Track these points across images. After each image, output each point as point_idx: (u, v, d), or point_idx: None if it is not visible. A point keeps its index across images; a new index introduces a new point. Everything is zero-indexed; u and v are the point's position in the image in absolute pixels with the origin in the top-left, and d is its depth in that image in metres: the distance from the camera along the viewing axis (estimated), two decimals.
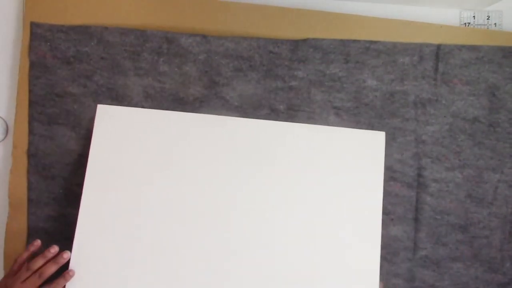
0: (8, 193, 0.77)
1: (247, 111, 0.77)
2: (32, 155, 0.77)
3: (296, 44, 0.77)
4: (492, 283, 0.76)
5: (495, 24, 0.81)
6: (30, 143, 0.77)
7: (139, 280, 0.72)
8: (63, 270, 0.70)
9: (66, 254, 0.70)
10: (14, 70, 0.79)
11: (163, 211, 0.74)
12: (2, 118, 0.80)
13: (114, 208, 0.74)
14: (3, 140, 0.80)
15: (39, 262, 0.67)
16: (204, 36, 0.77)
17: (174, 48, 0.77)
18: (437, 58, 0.77)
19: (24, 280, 0.66)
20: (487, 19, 0.81)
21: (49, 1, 0.78)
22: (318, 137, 0.75)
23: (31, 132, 0.77)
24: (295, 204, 0.74)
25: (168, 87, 0.77)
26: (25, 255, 0.69)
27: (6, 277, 0.68)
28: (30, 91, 0.77)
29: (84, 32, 0.77)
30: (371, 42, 0.77)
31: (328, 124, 0.76)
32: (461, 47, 0.77)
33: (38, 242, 0.70)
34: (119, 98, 0.77)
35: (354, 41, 0.77)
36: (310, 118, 0.76)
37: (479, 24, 0.81)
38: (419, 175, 0.77)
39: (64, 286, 0.70)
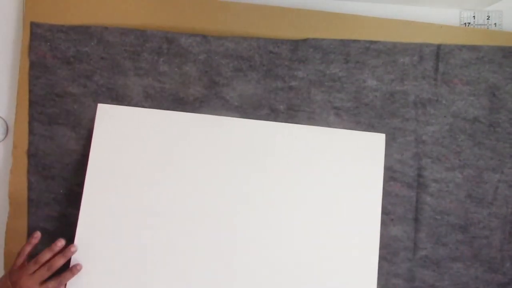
0: (8, 193, 0.77)
1: (247, 111, 0.77)
2: (32, 155, 0.77)
3: (296, 44, 0.77)
4: (492, 283, 0.76)
5: (495, 24, 0.81)
6: (30, 143, 0.77)
7: (139, 280, 0.72)
8: (66, 267, 0.71)
9: (73, 248, 0.71)
10: (14, 70, 0.79)
11: (163, 211, 0.74)
12: (2, 118, 0.80)
13: (115, 207, 0.74)
14: (3, 140, 0.80)
15: (46, 255, 0.68)
16: (204, 36, 0.77)
17: (174, 48, 0.77)
18: (437, 58, 0.77)
19: (33, 273, 0.67)
20: (487, 19, 0.80)
21: (49, 1, 0.78)
22: (318, 138, 0.75)
23: (31, 132, 0.77)
24: (294, 205, 0.74)
25: (168, 87, 0.77)
26: (28, 248, 0.70)
27: (10, 271, 0.68)
28: (30, 91, 0.77)
29: (84, 32, 0.77)
30: (371, 42, 0.77)
31: (328, 124, 0.76)
32: (461, 47, 0.77)
33: (38, 234, 0.71)
34: (119, 98, 0.77)
35: (354, 41, 0.77)
36: (310, 118, 0.76)
37: (479, 24, 0.81)
38: (419, 175, 0.77)
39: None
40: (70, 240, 0.72)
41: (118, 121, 0.76)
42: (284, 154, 0.75)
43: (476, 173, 0.77)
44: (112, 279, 0.72)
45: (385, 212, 0.76)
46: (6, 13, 0.80)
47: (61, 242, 0.70)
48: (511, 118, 0.77)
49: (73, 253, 0.71)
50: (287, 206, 0.74)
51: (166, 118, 0.76)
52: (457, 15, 0.80)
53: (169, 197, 0.74)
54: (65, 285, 0.71)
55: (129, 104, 0.77)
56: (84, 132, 0.77)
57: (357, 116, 0.77)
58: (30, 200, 0.77)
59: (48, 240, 0.71)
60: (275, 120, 0.76)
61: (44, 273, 0.67)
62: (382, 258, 0.75)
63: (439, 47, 0.77)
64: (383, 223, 0.75)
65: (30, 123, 0.77)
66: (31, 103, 0.77)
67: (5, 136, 0.80)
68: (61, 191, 0.77)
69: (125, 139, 0.75)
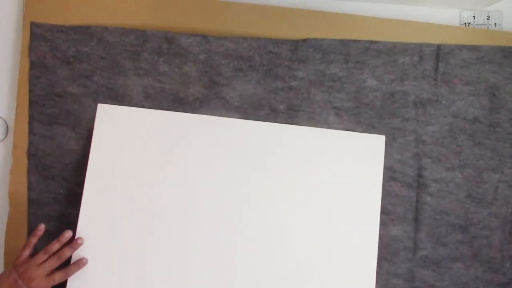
0: (8, 193, 0.77)
1: (247, 111, 0.77)
2: (32, 155, 0.77)
3: (296, 44, 0.77)
4: (492, 283, 0.76)
5: (495, 24, 0.81)
6: (30, 143, 0.77)
7: (139, 280, 0.73)
8: (68, 262, 0.71)
9: (80, 240, 0.72)
10: (14, 70, 0.79)
11: (163, 211, 0.74)
12: (2, 118, 0.80)
13: (115, 207, 0.74)
14: (3, 140, 0.80)
15: (55, 246, 0.70)
16: (204, 36, 0.77)
17: (174, 48, 0.77)
18: (437, 58, 0.77)
19: (42, 263, 0.68)
20: (487, 19, 0.80)
21: (49, 1, 0.78)
22: (318, 139, 0.75)
23: (31, 132, 0.77)
24: (294, 205, 0.74)
25: (168, 87, 0.77)
26: (34, 240, 0.71)
27: (16, 263, 0.68)
28: (30, 91, 0.77)
29: (84, 32, 0.77)
30: (371, 42, 0.77)
31: (328, 124, 0.76)
32: (461, 47, 0.77)
33: (42, 226, 0.72)
34: (119, 98, 0.77)
35: (354, 41, 0.77)
36: (310, 118, 0.76)
37: (479, 24, 0.81)
38: (419, 175, 0.77)
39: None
40: (70, 240, 0.72)
41: (118, 121, 0.76)
42: (284, 155, 0.75)
43: (476, 173, 0.77)
44: (112, 279, 0.72)
45: (385, 212, 0.76)
46: (6, 13, 0.80)
47: (68, 234, 0.71)
48: (511, 118, 0.77)
49: (80, 245, 0.72)
50: (287, 207, 0.74)
51: (166, 118, 0.76)
52: (457, 15, 0.80)
53: (169, 197, 0.74)
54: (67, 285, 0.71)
55: (129, 104, 0.77)
56: (84, 132, 0.77)
57: (357, 116, 0.77)
58: (30, 200, 0.77)
59: (48, 240, 0.71)
60: (275, 120, 0.76)
61: (53, 263, 0.69)
62: (382, 258, 0.75)
63: (439, 47, 0.77)
64: (383, 223, 0.75)
65: (30, 123, 0.77)
66: (31, 103, 0.77)
67: (5, 136, 0.80)
68: (61, 191, 0.77)
69: (125, 139, 0.75)
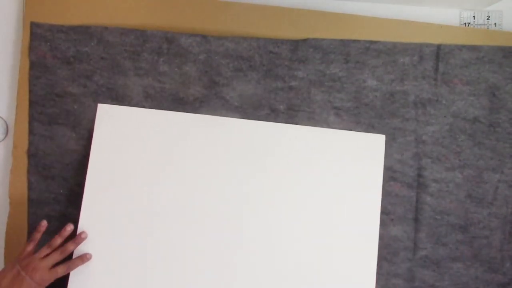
0: (8, 193, 0.77)
1: (247, 111, 0.77)
2: (32, 155, 0.77)
3: (296, 44, 0.77)
4: (492, 283, 0.76)
5: (495, 24, 0.81)
6: (30, 143, 0.77)
7: (139, 279, 0.73)
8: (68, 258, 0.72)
9: (83, 234, 0.73)
10: (14, 70, 0.79)
11: (163, 211, 0.74)
12: (2, 118, 0.80)
13: (115, 207, 0.74)
14: (3, 140, 0.80)
15: (58, 240, 0.71)
16: (204, 36, 0.77)
17: (174, 48, 0.77)
18: (437, 58, 0.77)
19: (45, 256, 0.69)
20: (487, 19, 0.80)
21: (49, 1, 0.78)
22: (318, 139, 0.75)
23: (31, 132, 0.77)
24: (294, 205, 0.74)
25: (168, 87, 0.77)
26: (38, 235, 0.71)
27: (19, 258, 0.69)
28: (30, 91, 0.77)
29: (84, 32, 0.77)
30: (371, 42, 0.77)
31: (328, 124, 0.76)
32: (461, 47, 0.77)
33: (44, 222, 0.72)
34: (119, 98, 0.77)
35: (354, 41, 0.77)
36: (310, 118, 0.76)
37: (479, 24, 0.81)
38: (419, 175, 0.77)
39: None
40: (72, 234, 0.72)
41: (118, 121, 0.76)
42: (284, 154, 0.75)
43: (476, 173, 0.77)
44: (112, 278, 0.72)
45: (385, 212, 0.76)
46: (6, 13, 0.80)
47: (70, 227, 0.72)
48: (511, 118, 0.77)
49: (83, 239, 0.72)
50: (287, 206, 0.74)
51: (166, 118, 0.76)
52: (457, 15, 0.80)
53: (169, 197, 0.74)
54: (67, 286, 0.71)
55: (129, 104, 0.77)
56: (84, 132, 0.77)
57: (357, 116, 0.77)
58: (30, 200, 0.77)
59: (48, 240, 0.71)
60: (275, 120, 0.76)
61: (56, 257, 0.69)
62: (382, 258, 0.75)
63: (439, 47, 0.77)
64: (383, 223, 0.75)
65: (30, 123, 0.77)
66: (31, 103, 0.77)
67: (5, 136, 0.80)
68: (61, 191, 0.77)
69: (125, 139, 0.75)
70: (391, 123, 0.77)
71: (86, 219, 0.73)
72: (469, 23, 0.80)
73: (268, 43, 0.77)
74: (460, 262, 0.76)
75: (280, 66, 0.77)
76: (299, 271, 0.73)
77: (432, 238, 0.76)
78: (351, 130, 0.76)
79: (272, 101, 0.77)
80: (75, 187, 0.76)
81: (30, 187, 0.77)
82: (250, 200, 0.74)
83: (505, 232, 0.76)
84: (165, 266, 0.73)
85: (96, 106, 0.76)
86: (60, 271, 0.69)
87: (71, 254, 0.72)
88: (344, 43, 0.77)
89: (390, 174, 0.76)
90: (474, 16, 0.80)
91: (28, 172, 0.77)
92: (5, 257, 0.78)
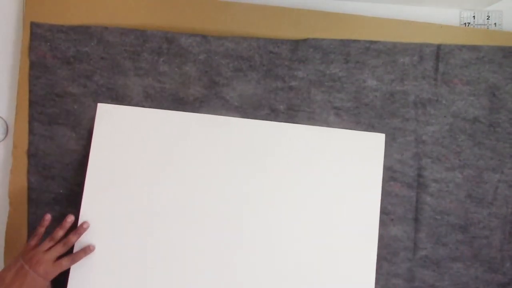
0: (8, 193, 0.77)
1: (247, 111, 0.77)
2: (32, 155, 0.77)
3: (296, 44, 0.77)
4: (492, 283, 0.76)
5: (495, 24, 0.81)
6: (30, 143, 0.77)
7: (139, 279, 0.73)
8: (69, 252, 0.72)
9: (85, 224, 0.73)
10: (14, 70, 0.79)
11: (163, 210, 0.74)
12: (2, 118, 0.80)
13: (115, 207, 0.74)
14: (3, 140, 0.80)
15: (60, 232, 0.71)
16: (204, 36, 0.77)
17: (174, 48, 0.77)
18: (437, 58, 0.77)
19: (48, 249, 0.69)
20: (487, 19, 0.80)
21: (49, 1, 0.78)
22: (318, 138, 0.75)
23: (31, 132, 0.77)
24: (293, 204, 0.74)
25: (168, 87, 0.77)
26: (42, 229, 0.71)
27: (24, 252, 0.69)
28: (30, 91, 0.77)
29: (84, 32, 0.77)
30: (371, 42, 0.77)
31: (328, 124, 0.76)
32: (461, 47, 0.77)
33: (48, 216, 0.72)
34: (119, 98, 0.77)
35: (354, 41, 0.77)
36: (310, 118, 0.76)
37: (479, 24, 0.80)
38: (419, 175, 0.76)
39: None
40: (73, 226, 0.72)
41: (118, 120, 0.76)
42: (284, 153, 0.75)
43: (476, 173, 0.77)
44: (112, 278, 0.72)
45: (385, 212, 0.76)
46: (6, 13, 0.80)
47: (70, 218, 0.72)
48: (511, 118, 0.77)
49: (85, 229, 0.72)
50: (287, 206, 0.74)
51: (166, 117, 0.76)
52: (457, 15, 0.80)
53: (169, 196, 0.74)
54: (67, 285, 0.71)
55: (129, 104, 0.77)
56: (84, 132, 0.77)
57: (357, 116, 0.77)
58: (30, 200, 0.77)
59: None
60: (275, 120, 0.76)
61: (60, 249, 0.69)
62: (382, 258, 0.75)
63: (439, 47, 0.77)
64: (383, 223, 0.75)
65: (30, 123, 0.77)
66: (31, 103, 0.77)
67: (5, 136, 0.80)
68: (61, 191, 0.77)
69: (125, 139, 0.75)
70: (391, 123, 0.77)
71: (86, 219, 0.73)
72: (469, 23, 0.80)
73: (268, 43, 0.77)
74: (460, 262, 0.76)
75: (280, 66, 0.77)
76: (298, 270, 0.73)
77: (432, 238, 0.76)
78: (351, 129, 0.76)
79: (272, 101, 0.77)
80: (75, 187, 0.76)
81: (30, 187, 0.77)
82: (250, 198, 0.74)
83: (505, 232, 0.76)
84: (165, 265, 0.73)
85: (96, 106, 0.76)
86: (64, 263, 0.69)
87: (73, 247, 0.72)
88: (344, 43, 0.77)
89: (390, 174, 0.76)
90: (474, 16, 0.80)
91: (28, 172, 0.77)
92: (5, 257, 0.78)
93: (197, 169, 0.74)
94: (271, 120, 0.76)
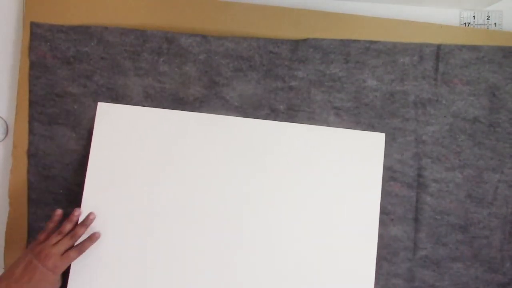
0: (8, 193, 0.77)
1: (247, 111, 0.77)
2: (32, 155, 0.77)
3: (296, 44, 0.77)
4: (492, 283, 0.76)
5: (495, 24, 0.81)
6: (30, 143, 0.77)
7: (139, 279, 0.73)
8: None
9: (92, 215, 0.73)
10: (14, 70, 0.79)
11: (163, 210, 0.74)
12: (2, 118, 0.80)
13: (115, 207, 0.74)
14: (3, 140, 0.80)
15: (68, 226, 0.71)
16: (204, 36, 0.77)
17: (174, 48, 0.77)
18: (437, 58, 0.77)
19: (56, 243, 0.69)
20: (487, 19, 0.80)
21: (49, 1, 0.78)
22: (318, 137, 0.75)
23: (31, 132, 0.77)
24: (293, 204, 0.74)
25: (168, 87, 0.77)
26: (51, 224, 0.71)
27: (33, 246, 0.69)
28: (30, 91, 0.77)
29: (84, 32, 0.77)
30: (371, 42, 0.77)
31: (328, 124, 0.76)
32: (461, 47, 0.77)
33: (59, 211, 0.72)
34: (119, 98, 0.77)
35: (354, 41, 0.77)
36: (310, 118, 0.76)
37: (479, 24, 0.80)
38: (419, 175, 0.76)
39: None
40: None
41: (118, 119, 0.76)
42: (284, 153, 0.75)
43: (476, 173, 0.77)
44: (112, 278, 0.72)
45: (385, 212, 0.76)
46: (6, 13, 0.80)
47: (78, 212, 0.72)
48: (511, 118, 0.77)
49: (92, 220, 0.72)
50: (287, 205, 0.74)
51: (166, 116, 0.76)
52: (457, 15, 0.80)
53: (169, 196, 0.74)
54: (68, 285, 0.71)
55: (129, 104, 0.77)
56: (84, 132, 0.77)
57: (357, 116, 0.77)
58: (30, 200, 0.77)
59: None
60: (275, 120, 0.76)
61: (67, 242, 0.69)
62: (382, 258, 0.75)
63: (439, 47, 0.77)
64: (383, 223, 0.75)
65: (30, 123, 0.77)
66: (31, 103, 0.77)
67: (5, 136, 0.80)
68: (61, 191, 0.77)
69: (125, 138, 0.75)
70: (391, 123, 0.77)
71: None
72: (469, 23, 0.80)
73: (268, 43, 0.77)
74: (460, 262, 0.76)
75: (280, 66, 0.77)
76: (298, 270, 0.73)
77: (432, 238, 0.76)
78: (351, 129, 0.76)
79: (272, 101, 0.77)
80: (75, 187, 0.76)
81: (30, 187, 0.77)
82: (250, 198, 0.74)
83: (505, 232, 0.76)
84: (165, 265, 0.73)
85: (96, 106, 0.76)
86: (72, 255, 0.69)
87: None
88: (344, 43, 0.77)
89: (390, 174, 0.76)
90: (474, 16, 0.80)
91: (28, 172, 0.77)
92: (5, 257, 0.78)
93: (197, 169, 0.74)
94: (271, 120, 0.76)
